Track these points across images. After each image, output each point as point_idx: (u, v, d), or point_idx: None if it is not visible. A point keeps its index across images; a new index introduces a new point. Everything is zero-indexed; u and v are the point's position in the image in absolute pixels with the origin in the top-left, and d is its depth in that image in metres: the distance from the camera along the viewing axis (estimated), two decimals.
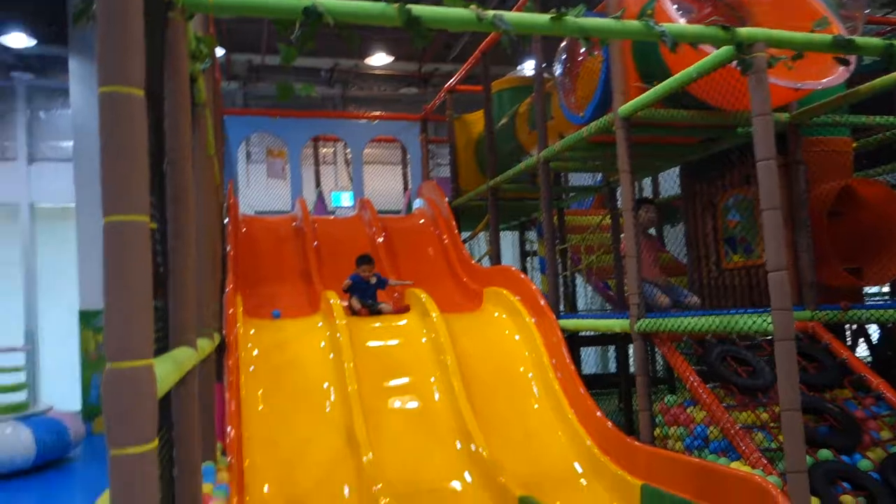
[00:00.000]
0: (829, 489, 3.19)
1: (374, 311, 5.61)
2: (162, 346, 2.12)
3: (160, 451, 1.80)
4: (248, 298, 5.78)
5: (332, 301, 5.16)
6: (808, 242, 4.48)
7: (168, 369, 1.55)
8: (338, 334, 4.85)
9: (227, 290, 5.36)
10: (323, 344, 4.99)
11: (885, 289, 6.49)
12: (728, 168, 5.04)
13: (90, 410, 9.21)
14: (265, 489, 3.97)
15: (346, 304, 5.48)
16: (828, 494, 3.14)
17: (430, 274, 6.64)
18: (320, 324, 5.23)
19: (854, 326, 5.71)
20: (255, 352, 4.87)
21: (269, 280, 6.35)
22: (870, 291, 6.03)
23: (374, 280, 5.83)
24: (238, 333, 4.88)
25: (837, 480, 3.29)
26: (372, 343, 5.08)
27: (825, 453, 3.46)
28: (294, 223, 7.10)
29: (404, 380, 4.82)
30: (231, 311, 5.01)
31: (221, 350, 4.67)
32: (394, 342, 5.17)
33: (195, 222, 2.53)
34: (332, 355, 4.85)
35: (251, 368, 4.71)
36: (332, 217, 8.50)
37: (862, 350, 5.64)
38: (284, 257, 6.67)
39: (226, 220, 6.48)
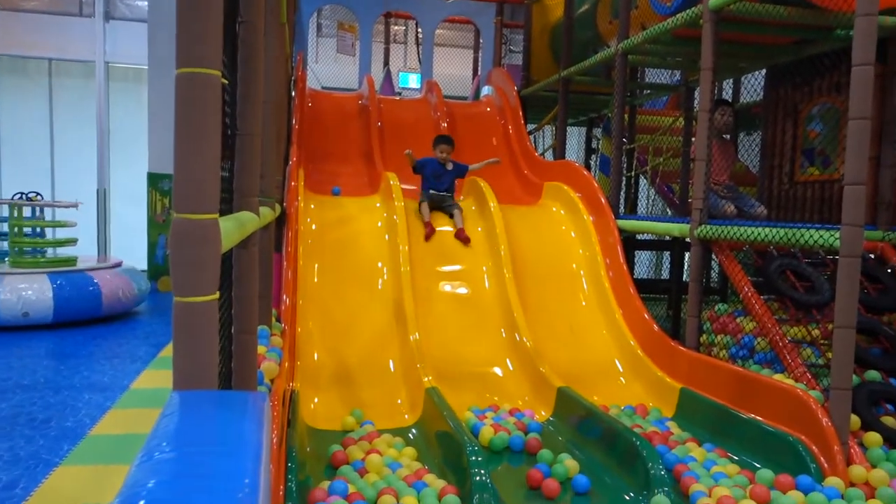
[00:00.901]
0: (871, 409, 3.17)
1: (444, 210, 5.15)
2: (227, 209, 2.18)
3: (220, 307, 1.90)
4: (310, 174, 5.86)
5: (392, 182, 5.19)
6: (892, 159, 4.24)
7: (231, 228, 1.61)
8: (395, 216, 4.92)
9: (290, 162, 5.45)
10: (380, 224, 5.08)
11: None
12: (818, 74, 4.73)
13: (155, 270, 9.70)
14: (315, 356, 4.18)
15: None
16: (869, 413, 3.13)
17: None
18: (378, 204, 5.30)
19: None
20: (314, 226, 5.00)
21: (331, 157, 6.41)
22: None
23: (450, 166, 5.25)
24: (299, 207, 4.99)
25: (882, 401, 3.27)
26: None
27: (873, 374, 3.42)
28: (360, 101, 7.06)
29: (456, 266, 4.90)
30: (293, 183, 5.11)
31: (281, 221, 4.80)
32: (450, 228, 5.22)
33: (264, 88, 2.54)
34: (387, 236, 4.94)
35: (309, 242, 4.85)
36: (398, 98, 8.41)
37: None
38: (348, 136, 6.68)
39: (293, 94, 6.49)
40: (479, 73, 9.03)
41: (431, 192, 5.20)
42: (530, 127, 7.74)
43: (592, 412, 3.46)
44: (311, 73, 9.10)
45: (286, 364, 3.69)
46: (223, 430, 1.13)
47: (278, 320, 4.21)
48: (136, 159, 10.86)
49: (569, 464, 3.03)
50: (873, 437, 3.06)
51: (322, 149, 6.44)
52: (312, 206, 5.16)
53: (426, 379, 3.76)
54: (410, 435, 3.54)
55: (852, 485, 2.82)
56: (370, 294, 4.59)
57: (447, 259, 4.92)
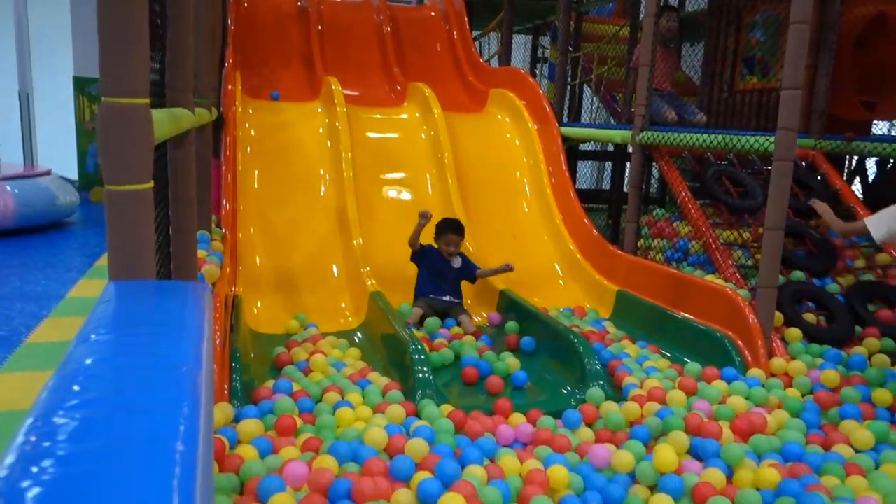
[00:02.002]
0: (794, 306, 3.35)
1: (444, 317, 3.75)
2: (158, 103, 2.09)
3: (157, 205, 1.84)
4: (247, 77, 5.64)
5: (334, 87, 5.05)
6: (828, 68, 4.33)
7: (164, 118, 1.55)
8: (337, 123, 4.81)
9: (226, 65, 5.22)
10: (321, 130, 4.97)
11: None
12: None
13: (87, 179, 9.33)
14: (257, 262, 4.15)
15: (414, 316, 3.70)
16: (792, 311, 3.31)
17: (437, 70, 6.44)
18: (320, 109, 5.16)
19: (853, 162, 5.70)
20: (253, 132, 4.85)
21: (269, 60, 6.16)
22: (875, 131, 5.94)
23: (457, 262, 3.90)
24: (236, 111, 4.83)
25: (804, 299, 3.46)
26: (371, 134, 5.05)
27: (798, 274, 3.60)
28: (298, 3, 6.75)
29: (400, 174, 4.86)
30: (230, 87, 4.92)
31: (219, 126, 4.64)
32: (393, 135, 5.14)
33: None
34: (329, 143, 4.84)
35: (248, 149, 4.72)
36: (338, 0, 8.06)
37: (856, 186, 5.67)
38: (286, 38, 6.41)
39: None
40: None
41: (431, 297, 3.81)
42: (475, 33, 7.57)
43: (532, 313, 3.56)
44: None
45: (227, 269, 3.65)
46: (163, 314, 1.12)
47: (218, 226, 4.14)
48: (59, 65, 10.23)
49: (510, 361, 3.13)
50: (794, 333, 3.24)
51: (259, 52, 6.18)
52: (251, 111, 5.00)
53: (370, 283, 3.79)
54: (355, 338, 3.59)
55: (773, 375, 3.00)
56: (313, 199, 4.54)
57: (391, 166, 4.87)
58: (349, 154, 4.64)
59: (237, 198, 4.34)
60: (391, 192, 4.74)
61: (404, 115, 5.30)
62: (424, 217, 3.77)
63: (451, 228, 3.92)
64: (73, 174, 9.27)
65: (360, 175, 4.62)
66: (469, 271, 3.93)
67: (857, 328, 3.35)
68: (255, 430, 2.29)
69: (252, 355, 3.21)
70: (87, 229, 7.46)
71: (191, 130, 2.36)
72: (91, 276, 5.29)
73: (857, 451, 2.45)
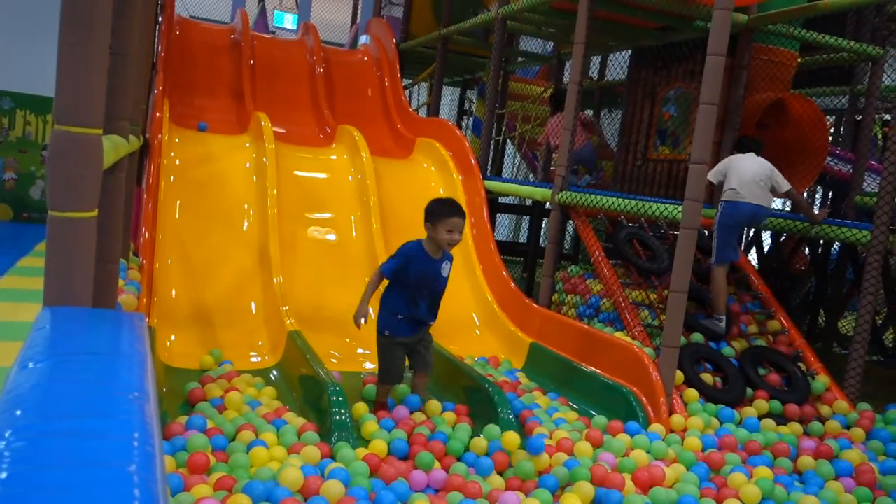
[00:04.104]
0: (693, 367, 3.57)
1: (411, 349, 3.15)
2: None
3: None
4: (175, 106, 5.58)
5: (263, 123, 5.06)
6: (732, 145, 4.69)
7: (108, 147, 1.56)
8: (264, 158, 4.81)
9: (155, 91, 5.16)
10: (248, 165, 4.95)
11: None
12: (676, 60, 5.11)
13: None
14: (173, 293, 4.06)
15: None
16: (691, 371, 3.52)
17: (366, 115, 6.55)
18: (248, 144, 5.15)
19: (751, 233, 6.12)
20: (178, 161, 4.79)
21: (198, 91, 6.12)
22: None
23: (446, 267, 3.10)
24: (163, 139, 4.76)
25: (702, 360, 3.68)
26: (298, 172, 5.07)
27: (697, 337, 3.84)
28: (232, 36, 6.75)
29: (325, 214, 4.88)
30: (158, 114, 4.85)
31: (143, 153, 4.56)
32: (321, 175, 5.17)
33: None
34: (255, 178, 4.83)
35: (171, 178, 4.65)
36: (272, 37, 8.12)
37: (752, 256, 6.09)
38: (217, 70, 6.39)
39: (160, 18, 6.10)
40: (358, 21, 8.89)
41: (410, 317, 3.09)
42: (406, 82, 7.76)
43: (450, 361, 3.63)
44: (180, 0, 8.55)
45: (144, 299, 3.57)
46: (104, 342, 1.13)
47: (135, 254, 4.04)
48: None
49: (432, 404, 3.15)
50: (692, 393, 3.45)
51: (189, 81, 6.13)
52: (177, 140, 4.94)
53: (289, 322, 3.78)
54: (272, 377, 3.56)
55: (672, 431, 3.17)
56: (235, 234, 4.50)
57: (316, 206, 4.89)
58: (275, 191, 4.64)
59: (157, 227, 4.26)
60: (315, 232, 4.75)
61: (333, 157, 5.36)
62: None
63: (453, 211, 2.99)
64: None
65: (284, 213, 4.62)
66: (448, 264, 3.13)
67: (749, 390, 3.59)
68: (166, 467, 2.24)
69: (164, 389, 3.13)
70: None
71: (123, 158, 2.34)
72: None
73: None
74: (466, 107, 9.20)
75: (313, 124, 6.16)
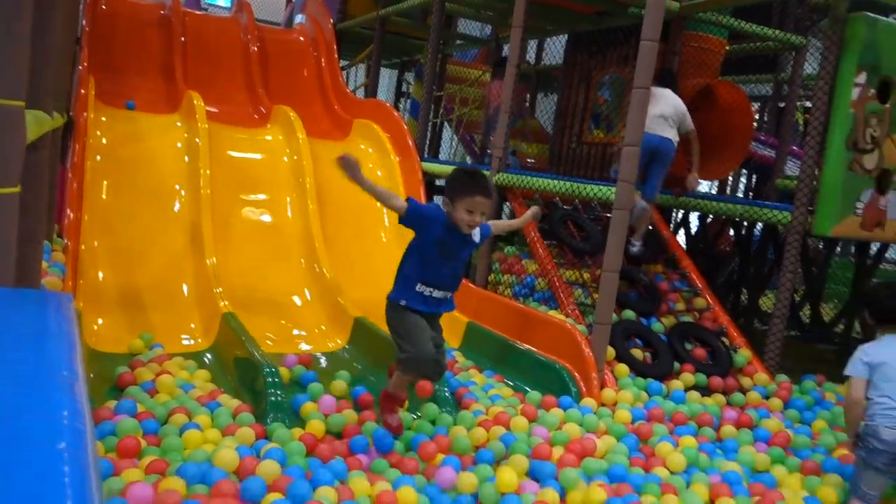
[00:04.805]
0: (624, 343, 3.68)
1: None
2: None
3: None
4: (101, 83, 5.37)
5: (196, 102, 4.93)
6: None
7: (30, 121, 1.50)
8: (197, 139, 4.70)
9: (79, 68, 4.96)
10: (179, 145, 4.83)
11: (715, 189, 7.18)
12: (611, 45, 5.21)
13: None
14: (100, 276, 3.94)
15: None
16: (622, 346, 3.63)
17: (302, 95, 6.45)
18: (179, 123, 5.02)
19: (680, 215, 6.33)
20: (104, 140, 4.63)
21: (126, 68, 5.91)
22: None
23: (476, 236, 2.73)
24: (88, 118, 4.59)
25: (633, 336, 3.81)
26: (232, 153, 4.97)
27: (629, 314, 3.96)
28: (162, 12, 6.53)
29: (260, 195, 4.81)
30: (83, 91, 4.67)
31: (68, 131, 4.39)
32: (255, 156, 5.09)
33: None
34: (187, 158, 4.72)
35: (98, 157, 4.50)
36: (204, 13, 7.88)
37: (681, 237, 6.29)
38: (146, 47, 6.18)
39: None
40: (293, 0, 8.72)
41: (427, 290, 2.69)
42: (343, 63, 7.67)
43: (387, 340, 3.64)
44: None
45: (69, 282, 3.46)
46: (29, 321, 1.10)
47: (60, 236, 3.91)
48: None
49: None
50: (622, 368, 3.56)
51: (116, 58, 5.91)
52: (104, 119, 4.77)
53: (223, 304, 3.72)
54: (205, 360, 3.50)
55: (603, 405, 3.28)
56: (165, 215, 4.39)
57: (250, 187, 4.81)
58: (208, 171, 4.53)
59: (83, 207, 4.12)
60: (250, 214, 4.68)
61: (268, 137, 5.27)
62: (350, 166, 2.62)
63: (477, 187, 2.57)
64: None
65: (217, 194, 4.53)
66: (484, 236, 2.81)
67: (676, 364, 3.73)
68: None
69: (91, 375, 3.05)
70: None
71: (46, 135, 2.26)
72: None
73: (671, 472, 2.74)
74: (404, 88, 9.16)
75: (247, 104, 6.04)
